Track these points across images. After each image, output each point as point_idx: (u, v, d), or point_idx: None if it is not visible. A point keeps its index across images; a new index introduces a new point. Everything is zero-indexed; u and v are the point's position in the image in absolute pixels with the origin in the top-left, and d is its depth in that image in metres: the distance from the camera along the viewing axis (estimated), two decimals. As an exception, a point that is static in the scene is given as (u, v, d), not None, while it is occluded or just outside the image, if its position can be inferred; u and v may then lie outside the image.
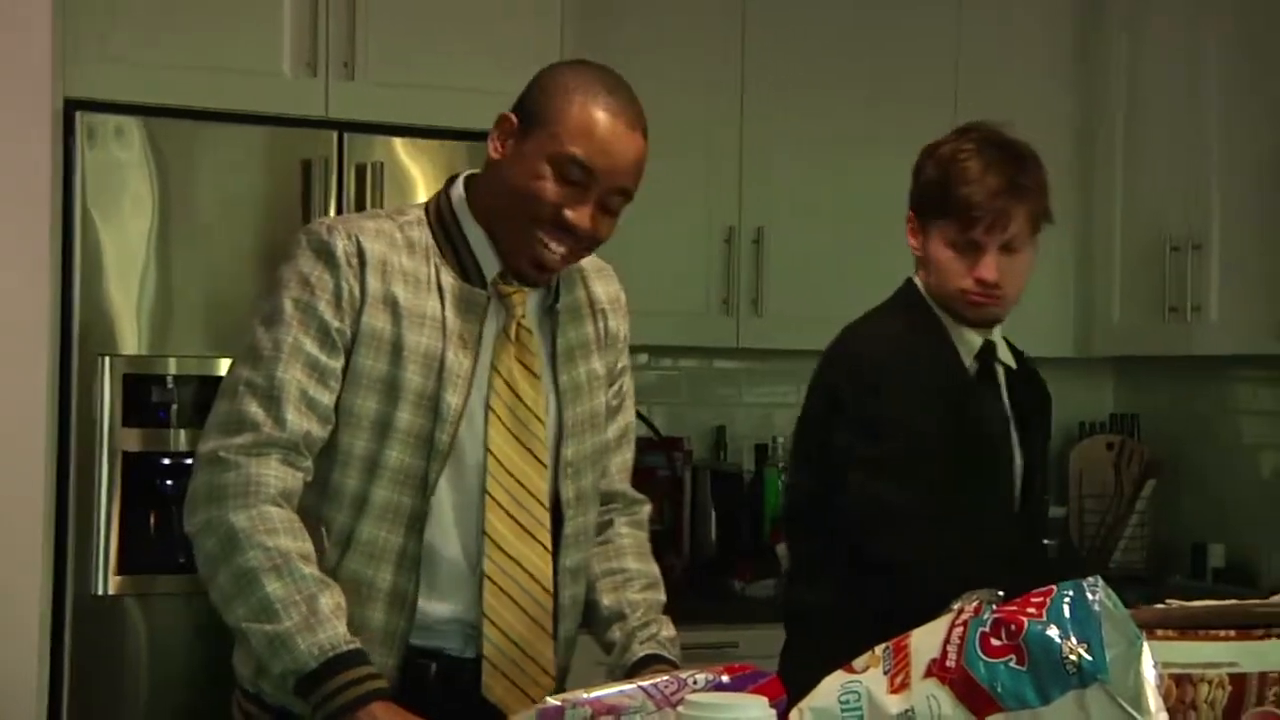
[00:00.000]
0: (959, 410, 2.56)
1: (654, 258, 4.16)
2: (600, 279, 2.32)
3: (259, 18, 3.51)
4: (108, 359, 3.36)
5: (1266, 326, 4.05)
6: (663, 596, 2.31)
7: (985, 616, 1.61)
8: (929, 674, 1.61)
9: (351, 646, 1.97)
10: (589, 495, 2.26)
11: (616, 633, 2.25)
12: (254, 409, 2.04)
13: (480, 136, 3.57)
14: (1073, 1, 4.60)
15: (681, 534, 4.29)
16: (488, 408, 2.14)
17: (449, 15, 3.63)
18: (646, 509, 2.42)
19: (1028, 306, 4.55)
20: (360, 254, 2.10)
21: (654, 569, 2.34)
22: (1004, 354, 2.67)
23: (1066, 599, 1.58)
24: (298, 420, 2.04)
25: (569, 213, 2.11)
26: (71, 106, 3.35)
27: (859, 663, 1.69)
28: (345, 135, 3.55)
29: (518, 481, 2.15)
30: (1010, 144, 2.64)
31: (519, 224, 2.13)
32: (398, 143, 3.60)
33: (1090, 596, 1.58)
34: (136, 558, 3.35)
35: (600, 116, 2.10)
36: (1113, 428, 4.81)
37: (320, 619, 1.97)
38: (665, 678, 1.84)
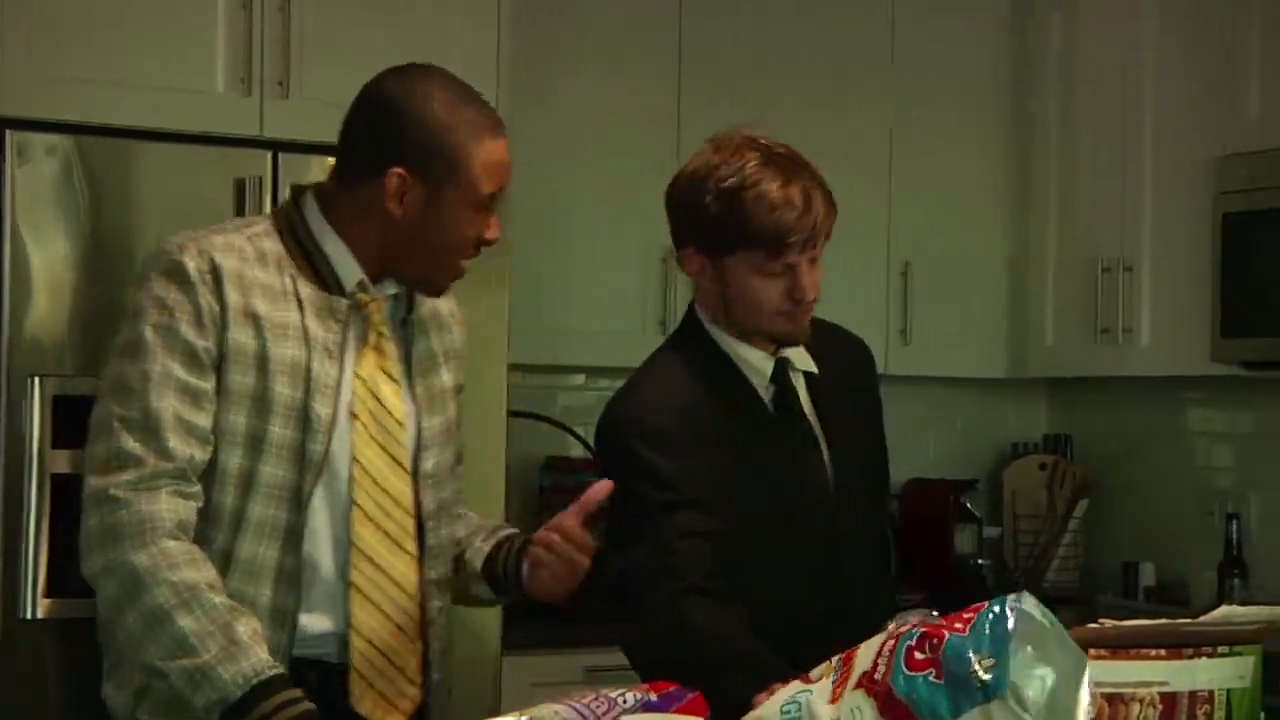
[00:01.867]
0: (734, 460, 2.39)
1: (590, 279, 4.17)
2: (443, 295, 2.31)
3: (193, 36, 3.48)
4: (37, 379, 3.32)
5: (1197, 348, 4.09)
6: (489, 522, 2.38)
7: (914, 630, 1.62)
8: (859, 685, 1.63)
9: (275, 672, 1.96)
10: (448, 508, 2.26)
11: (454, 555, 2.30)
12: (132, 444, 2.02)
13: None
14: (1007, 20, 4.65)
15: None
16: (353, 415, 2.12)
17: (385, 34, 3.61)
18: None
19: (961, 327, 4.62)
20: (214, 269, 2.07)
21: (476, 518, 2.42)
22: (802, 361, 2.48)
23: (991, 614, 1.59)
24: (181, 447, 2.02)
25: (489, 233, 2.17)
26: (1, 125, 3.31)
27: (815, 672, 1.71)
28: (280, 154, 3.52)
29: (383, 490, 2.14)
30: (786, 151, 2.41)
31: (444, 260, 2.16)
32: (332, 161, 3.56)
33: (1009, 612, 1.59)
34: (65, 581, 3.31)
35: (497, 145, 2.14)
36: (1046, 448, 4.84)
37: (240, 647, 1.96)
38: (594, 698, 1.85)
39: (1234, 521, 4.21)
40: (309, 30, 3.57)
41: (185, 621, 1.96)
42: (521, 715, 1.82)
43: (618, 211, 4.20)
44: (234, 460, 2.07)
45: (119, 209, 3.41)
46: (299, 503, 2.09)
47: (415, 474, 2.20)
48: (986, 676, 1.55)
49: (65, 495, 3.31)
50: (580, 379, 4.46)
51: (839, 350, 2.58)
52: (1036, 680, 1.55)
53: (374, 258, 2.16)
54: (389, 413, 2.15)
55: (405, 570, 2.16)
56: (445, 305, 2.31)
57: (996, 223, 4.67)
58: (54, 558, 3.31)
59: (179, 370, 2.04)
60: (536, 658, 3.56)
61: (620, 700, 1.86)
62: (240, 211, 3.46)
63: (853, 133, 4.36)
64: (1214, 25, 4.08)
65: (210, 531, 2.08)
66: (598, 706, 1.84)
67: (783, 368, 2.47)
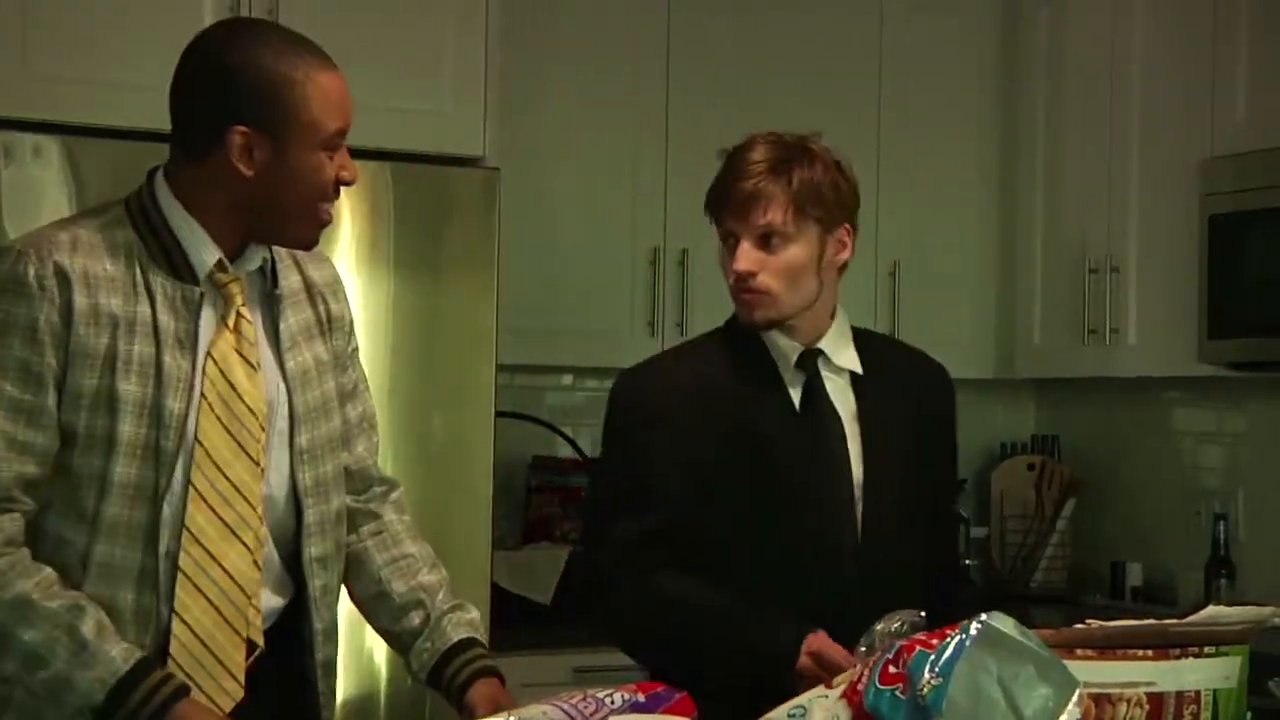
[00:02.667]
0: (727, 426, 2.44)
1: (579, 278, 4.17)
2: (314, 264, 2.26)
3: (179, 36, 3.41)
4: (25, 380, 3.31)
5: (1183, 348, 4.10)
6: (445, 574, 2.32)
7: (897, 643, 1.63)
8: (844, 694, 1.63)
9: (129, 664, 1.94)
10: (329, 482, 2.21)
11: (416, 618, 2.25)
12: None
13: (416, 158, 3.61)
14: (994, 21, 4.65)
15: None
16: (201, 395, 2.07)
17: (373, 37, 3.61)
18: (401, 491, 2.40)
19: (949, 327, 4.63)
20: (59, 273, 2.02)
21: (429, 549, 2.35)
22: (844, 359, 2.50)
23: (964, 631, 1.60)
24: (4, 469, 1.99)
25: (345, 173, 2.13)
26: (-11, 124, 3.31)
27: (838, 679, 1.71)
28: (268, 155, 3.52)
29: (225, 475, 2.08)
30: (787, 139, 2.48)
31: (307, 210, 2.11)
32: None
33: (973, 630, 1.59)
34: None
35: (334, 80, 2.11)
36: (1034, 448, 4.85)
37: (89, 650, 1.94)
38: (581, 698, 1.85)
39: (1221, 522, 4.22)
40: (296, 30, 3.56)
41: (28, 635, 1.94)
42: (509, 715, 1.82)
43: (606, 212, 4.20)
44: (89, 461, 2.03)
45: (107, 209, 3.40)
46: (156, 500, 2.04)
47: (290, 451, 2.16)
48: (928, 695, 1.55)
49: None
50: (568, 379, 4.46)
51: (907, 367, 2.59)
52: (987, 699, 1.55)
53: (233, 227, 2.11)
54: (240, 397, 2.09)
55: (237, 560, 2.09)
56: (319, 274, 2.25)
57: (984, 223, 4.67)
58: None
59: (10, 389, 2.00)
60: (524, 658, 3.55)
61: (608, 700, 1.86)
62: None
63: (841, 133, 4.31)
64: (1201, 27, 4.09)
65: (70, 533, 2.05)
66: (585, 707, 1.84)
67: (812, 359, 2.49)
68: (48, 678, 1.94)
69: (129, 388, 2.03)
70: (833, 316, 2.53)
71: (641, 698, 1.90)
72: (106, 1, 3.42)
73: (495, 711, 1.96)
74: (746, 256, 2.42)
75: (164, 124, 3.58)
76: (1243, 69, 4.00)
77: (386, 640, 2.33)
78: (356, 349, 2.32)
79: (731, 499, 2.43)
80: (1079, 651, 1.74)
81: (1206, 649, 1.82)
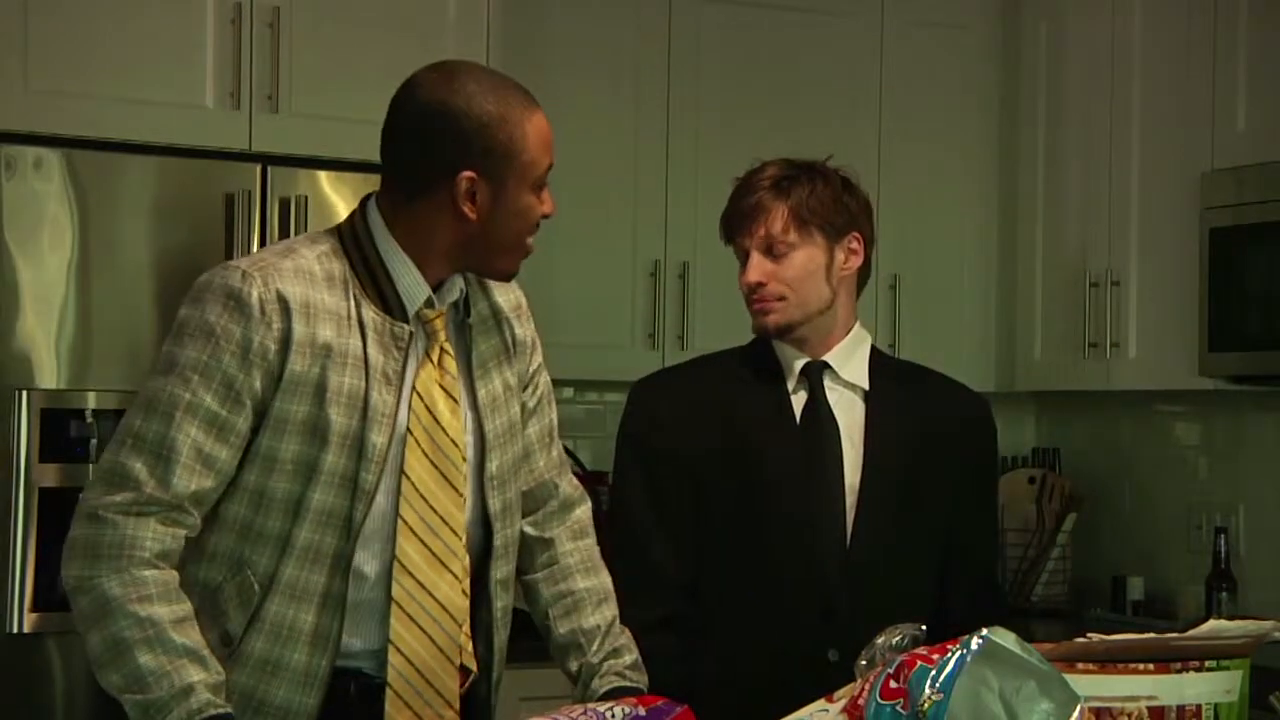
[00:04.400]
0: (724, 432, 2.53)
1: (579, 291, 4.17)
2: (500, 289, 2.30)
3: (182, 50, 3.49)
4: (25, 393, 3.32)
5: (1184, 362, 4.10)
6: (615, 609, 2.32)
7: (898, 657, 1.62)
8: (845, 708, 1.63)
9: (218, 711, 1.96)
10: (514, 506, 2.25)
11: (574, 664, 2.27)
12: (138, 465, 2.00)
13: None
14: (995, 35, 4.66)
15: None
16: (407, 430, 2.11)
17: (373, 48, 3.62)
18: (583, 510, 2.41)
19: (949, 341, 4.63)
20: (281, 300, 2.05)
21: (603, 580, 2.35)
22: (850, 373, 2.55)
23: (964, 646, 1.59)
24: (186, 480, 2.01)
25: (546, 208, 2.18)
26: (-10, 138, 3.31)
27: (839, 693, 1.71)
28: (269, 168, 3.53)
29: (431, 507, 2.12)
30: (797, 161, 2.58)
31: (516, 245, 2.17)
32: (322, 176, 3.59)
33: (974, 645, 1.59)
34: (54, 595, 3.30)
35: (541, 120, 2.14)
36: (1034, 462, 4.85)
37: (191, 688, 1.95)
38: (582, 711, 1.85)
39: (1221, 535, 4.21)
40: (297, 45, 3.58)
41: (145, 659, 1.95)
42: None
43: (607, 225, 4.20)
44: (282, 485, 2.06)
45: (108, 222, 3.41)
46: (349, 530, 2.08)
47: (480, 478, 2.19)
48: (927, 709, 1.55)
49: (53, 509, 3.31)
50: (569, 392, 4.45)
51: (940, 397, 2.63)
52: (988, 715, 1.55)
53: (443, 263, 2.15)
54: (444, 430, 2.14)
55: (449, 591, 2.13)
56: (505, 300, 2.30)
57: (984, 237, 4.68)
58: (41, 572, 3.30)
59: (210, 400, 2.03)
60: (525, 671, 3.54)
61: (609, 715, 1.86)
62: (229, 225, 3.46)
63: (841, 146, 4.32)
64: (1201, 41, 4.09)
65: (253, 554, 2.07)
66: (586, 720, 1.84)
67: (816, 371, 2.54)
68: (145, 701, 1.96)
69: (337, 419, 2.06)
70: (849, 333, 2.57)
71: (643, 711, 1.90)
72: (107, 16, 3.42)
73: None
74: (755, 268, 2.52)
75: (163, 137, 3.61)
76: (1242, 82, 4.00)
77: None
78: (542, 365, 2.36)
79: (720, 504, 2.51)
80: (1080, 666, 1.74)
81: (1208, 663, 1.82)
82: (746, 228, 2.52)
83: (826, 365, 2.55)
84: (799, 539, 2.49)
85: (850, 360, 2.56)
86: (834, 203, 2.51)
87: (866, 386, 2.55)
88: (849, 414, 2.53)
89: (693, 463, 2.52)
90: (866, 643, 2.15)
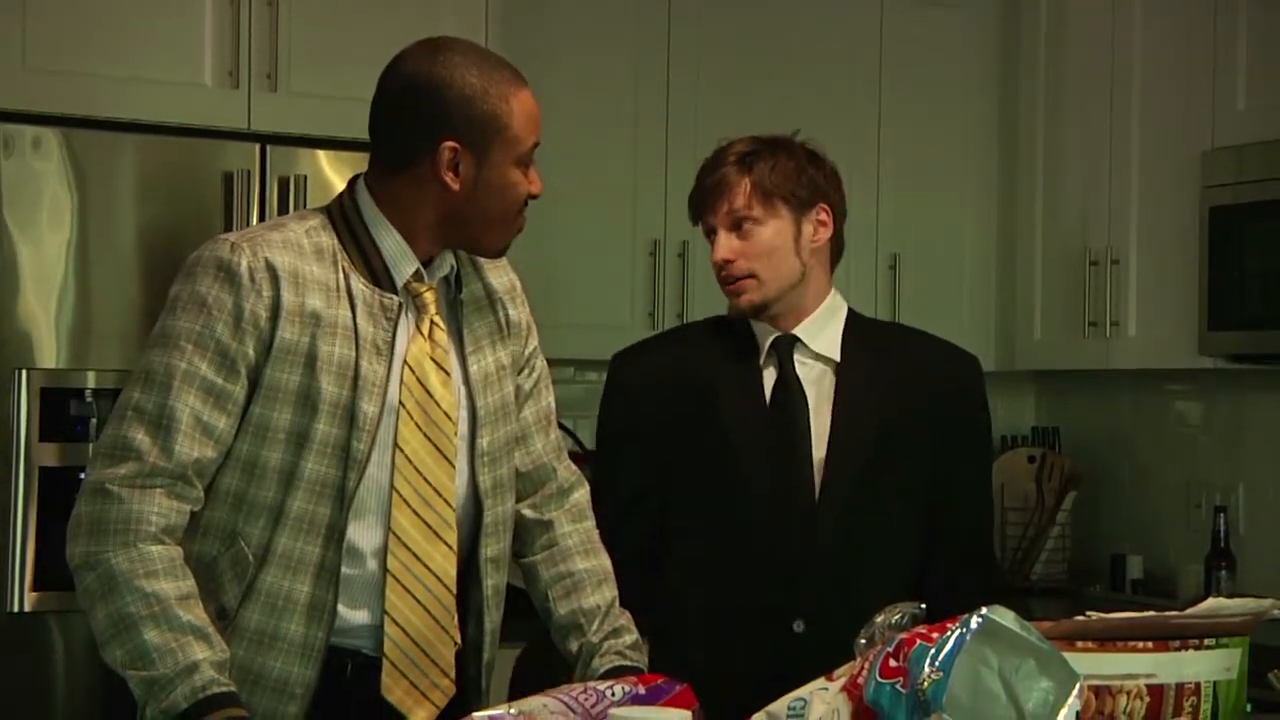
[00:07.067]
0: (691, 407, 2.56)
1: (579, 271, 4.17)
2: (494, 271, 2.31)
3: (180, 28, 3.48)
4: (25, 372, 3.32)
5: (1184, 341, 4.10)
6: (614, 590, 2.32)
7: (897, 636, 1.63)
8: (844, 687, 1.63)
9: (221, 690, 1.96)
10: (505, 484, 2.26)
11: (574, 645, 2.28)
12: (140, 436, 2.01)
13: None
14: (995, 13, 4.65)
15: (606, 548, 4.29)
16: (400, 403, 2.13)
17: (371, 26, 3.62)
18: (581, 493, 2.41)
19: (949, 320, 4.63)
20: (270, 269, 2.07)
21: (603, 561, 2.35)
22: (821, 345, 2.56)
23: (964, 625, 1.59)
24: (188, 449, 2.02)
25: (534, 187, 2.20)
26: (-11, 116, 3.31)
27: (839, 671, 1.71)
28: (268, 147, 3.53)
29: (425, 479, 2.14)
30: (762, 137, 2.57)
31: (503, 221, 2.18)
32: (321, 155, 3.58)
33: (973, 624, 1.59)
34: (54, 574, 3.31)
35: (529, 97, 2.17)
36: (1034, 441, 4.85)
37: (195, 665, 1.96)
38: (582, 690, 1.85)
39: (1221, 514, 4.22)
40: (296, 24, 3.57)
41: (150, 635, 1.96)
42: (510, 708, 1.82)
43: (606, 204, 4.20)
44: (275, 456, 2.07)
45: (107, 201, 3.41)
46: (341, 499, 2.09)
47: (471, 453, 2.20)
48: (926, 687, 1.55)
49: (53, 488, 3.31)
50: (569, 372, 4.45)
51: (921, 355, 2.64)
52: (988, 693, 1.55)
53: (432, 237, 2.17)
54: (436, 403, 2.15)
55: (442, 561, 2.15)
56: (498, 281, 2.31)
57: (984, 216, 4.67)
58: (42, 551, 3.31)
59: (206, 369, 2.04)
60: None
61: (609, 693, 1.86)
62: (228, 205, 3.46)
63: (840, 126, 4.35)
64: (1201, 18, 4.08)
65: (248, 526, 2.08)
66: (586, 699, 1.85)
67: (786, 344, 2.55)
68: (149, 677, 1.96)
69: (327, 388, 2.08)
70: (821, 305, 2.57)
71: (642, 690, 1.90)
72: (105, -6, 3.42)
73: None
74: (723, 245, 2.52)
75: (161, 116, 3.60)
76: (1243, 60, 3.99)
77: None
78: (538, 349, 2.37)
79: (687, 479, 2.54)
80: (1079, 644, 1.74)
81: (1207, 641, 1.82)
82: (711, 204, 2.53)
83: (797, 339, 2.56)
84: (764, 513, 2.51)
85: (822, 333, 2.57)
86: (798, 175, 2.52)
87: (837, 358, 2.56)
88: (818, 386, 2.55)
89: (661, 436, 2.55)
90: (832, 615, 2.18)
